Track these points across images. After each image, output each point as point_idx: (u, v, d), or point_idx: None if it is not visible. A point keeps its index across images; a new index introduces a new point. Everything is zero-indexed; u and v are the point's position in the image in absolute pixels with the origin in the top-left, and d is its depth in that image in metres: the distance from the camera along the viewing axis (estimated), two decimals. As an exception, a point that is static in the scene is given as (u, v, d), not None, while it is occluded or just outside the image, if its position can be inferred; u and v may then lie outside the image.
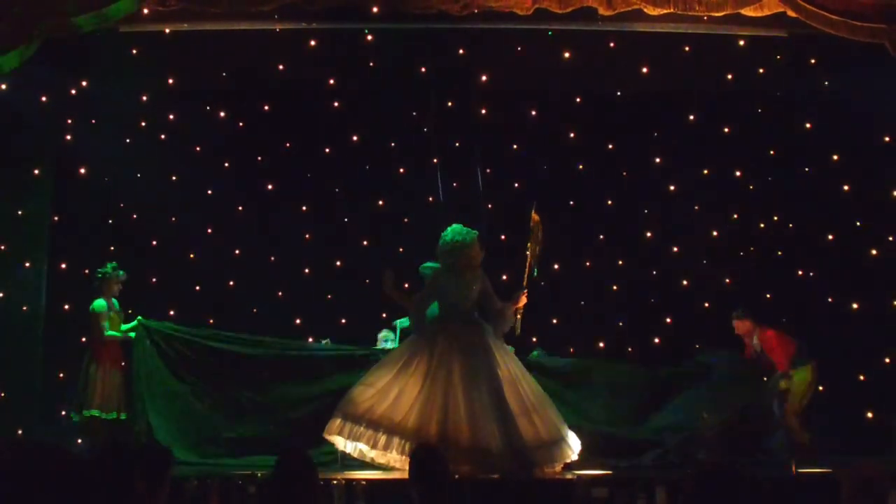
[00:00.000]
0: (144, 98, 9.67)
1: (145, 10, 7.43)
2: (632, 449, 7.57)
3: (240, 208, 9.98)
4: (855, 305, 9.29)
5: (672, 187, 10.13)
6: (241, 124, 9.98)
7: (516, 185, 9.94)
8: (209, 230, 9.89)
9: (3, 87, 8.25)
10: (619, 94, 9.95)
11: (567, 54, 9.15)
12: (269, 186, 10.04)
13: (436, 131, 9.68)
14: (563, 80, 9.61)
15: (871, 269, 9.22)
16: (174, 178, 9.78)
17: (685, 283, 10.02)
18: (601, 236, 10.16)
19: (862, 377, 9.01)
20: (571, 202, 10.12)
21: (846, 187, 9.52)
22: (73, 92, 9.37)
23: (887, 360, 9.05)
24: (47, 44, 7.16)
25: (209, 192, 9.94)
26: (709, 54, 9.00)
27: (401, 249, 9.61)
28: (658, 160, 10.05)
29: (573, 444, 6.82)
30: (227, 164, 10.02)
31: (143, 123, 9.67)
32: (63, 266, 9.33)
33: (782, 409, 8.00)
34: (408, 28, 8.58)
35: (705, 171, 10.02)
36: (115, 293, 8.05)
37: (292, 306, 9.66)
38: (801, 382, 8.04)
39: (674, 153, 9.96)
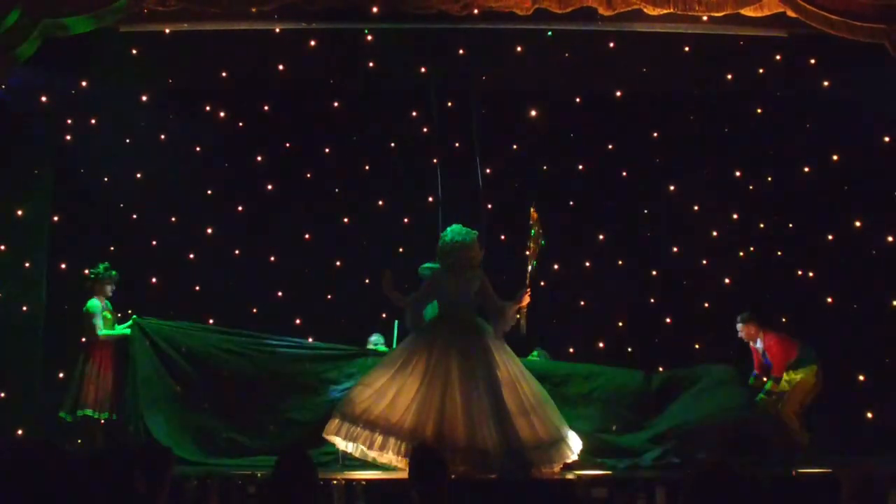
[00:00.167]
0: (144, 98, 9.67)
1: (145, 10, 7.44)
2: (631, 451, 7.54)
3: (240, 208, 9.97)
4: (855, 305, 9.29)
5: (672, 187, 10.14)
6: (241, 124, 9.96)
7: (516, 185, 9.93)
8: (209, 230, 9.87)
9: (3, 87, 8.25)
10: (619, 94, 9.94)
11: (567, 54, 9.15)
12: (269, 186, 10.03)
13: (436, 131, 9.68)
14: (563, 80, 9.61)
15: (871, 269, 9.23)
16: (174, 178, 9.78)
17: (685, 283, 10.02)
18: (601, 236, 10.16)
19: (862, 377, 9.00)
20: (571, 202, 10.10)
21: (846, 187, 9.52)
22: (73, 92, 9.37)
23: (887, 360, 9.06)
24: (47, 44, 7.16)
25: (209, 192, 9.93)
26: (709, 54, 9.01)
27: (401, 249, 9.61)
28: (658, 160, 10.04)
29: (573, 445, 6.81)
30: (227, 164, 10.02)
31: (143, 123, 9.67)
32: (63, 266, 9.30)
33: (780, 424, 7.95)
34: (408, 28, 8.58)
35: (705, 171, 10.01)
36: (108, 293, 8.05)
37: (292, 306, 9.65)
38: (803, 383, 8.00)
39: (674, 153, 9.96)
